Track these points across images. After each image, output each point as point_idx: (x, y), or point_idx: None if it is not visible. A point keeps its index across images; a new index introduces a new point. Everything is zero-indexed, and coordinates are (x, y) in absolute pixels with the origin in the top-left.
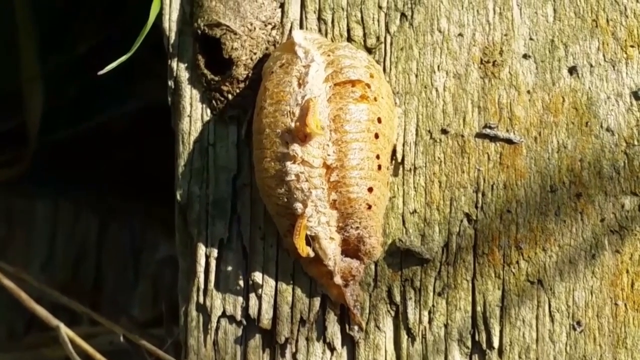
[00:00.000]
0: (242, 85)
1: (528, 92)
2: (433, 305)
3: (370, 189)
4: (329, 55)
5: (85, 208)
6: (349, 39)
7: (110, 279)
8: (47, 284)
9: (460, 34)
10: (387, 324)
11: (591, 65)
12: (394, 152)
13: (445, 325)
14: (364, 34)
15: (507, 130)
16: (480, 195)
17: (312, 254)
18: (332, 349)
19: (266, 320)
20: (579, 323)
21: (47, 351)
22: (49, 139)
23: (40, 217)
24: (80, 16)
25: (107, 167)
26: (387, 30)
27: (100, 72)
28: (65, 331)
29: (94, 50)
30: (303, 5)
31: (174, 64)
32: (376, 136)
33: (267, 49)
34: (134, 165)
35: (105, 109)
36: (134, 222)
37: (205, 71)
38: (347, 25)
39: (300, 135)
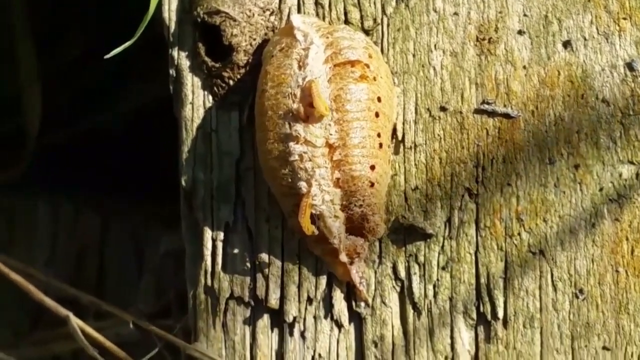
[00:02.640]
0: (242, 71)
1: (524, 67)
2: (437, 279)
3: (372, 167)
4: (327, 38)
5: (86, 207)
6: (347, 21)
7: (113, 275)
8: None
9: (456, 13)
10: (393, 300)
11: (585, 39)
12: (394, 130)
13: (450, 299)
14: (361, 17)
15: (505, 105)
16: (480, 169)
17: (316, 232)
18: (340, 326)
19: (274, 300)
20: (581, 291)
21: (55, 347)
22: (48, 141)
23: (41, 217)
24: (77, 18)
25: (106, 167)
26: (384, 11)
27: (107, 56)
28: (75, 321)
29: (93, 51)
30: None
31: (175, 53)
32: (377, 115)
33: (266, 34)
34: (132, 164)
35: (103, 109)
36: (135, 219)
37: (206, 58)
38: (344, 9)
39: (303, 116)
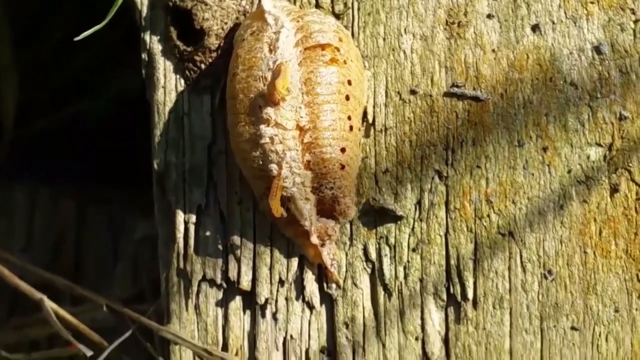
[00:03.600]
0: (214, 54)
1: (493, 50)
2: (408, 261)
3: (342, 150)
4: (298, 21)
5: (63, 194)
6: (317, 5)
7: (89, 262)
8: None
9: None
10: (364, 281)
11: (553, 23)
12: (364, 113)
13: (421, 280)
14: (332, 0)
15: (474, 89)
16: (450, 152)
17: (285, 215)
18: (311, 308)
19: (246, 282)
20: (550, 272)
21: (31, 331)
22: (28, 129)
23: (19, 205)
24: (56, 6)
25: (83, 155)
26: None
27: (77, 39)
28: (49, 304)
29: (69, 40)
30: None
31: (147, 37)
32: (347, 98)
33: (237, 18)
34: (109, 152)
35: (81, 98)
36: (111, 205)
37: (178, 42)
38: None
39: (273, 98)
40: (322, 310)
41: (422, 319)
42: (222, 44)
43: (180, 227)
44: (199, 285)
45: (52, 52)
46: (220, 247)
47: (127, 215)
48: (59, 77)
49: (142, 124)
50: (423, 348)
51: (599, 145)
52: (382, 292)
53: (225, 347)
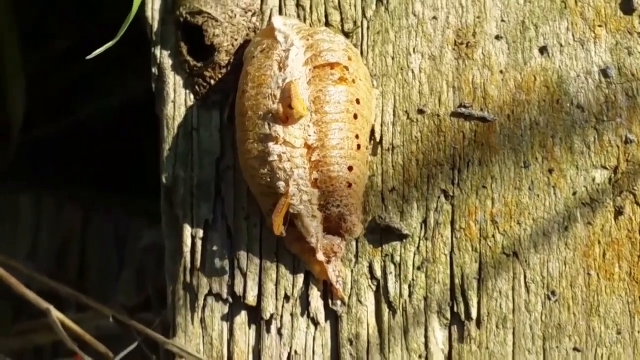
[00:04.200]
0: (224, 70)
1: (501, 72)
2: (413, 279)
3: (350, 168)
4: (308, 40)
5: (69, 201)
6: (327, 24)
7: (94, 269)
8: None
9: (435, 17)
10: (369, 298)
11: (561, 45)
12: (372, 132)
13: (425, 298)
14: (342, 19)
15: (482, 109)
16: (456, 172)
17: (284, 234)
18: (316, 324)
19: (252, 298)
20: (553, 293)
21: (36, 338)
22: (34, 134)
23: (24, 212)
24: (62, 12)
25: (89, 162)
26: (364, 15)
27: (89, 57)
28: (56, 314)
29: (76, 46)
30: None
31: (158, 51)
32: (355, 117)
33: (247, 35)
34: (115, 159)
35: (88, 103)
36: (117, 213)
37: (188, 58)
38: (325, 11)
39: (282, 117)
40: (326, 326)
41: (426, 337)
42: (232, 61)
43: (188, 242)
44: (205, 300)
45: (59, 57)
46: (226, 262)
47: (132, 222)
48: (66, 82)
49: (149, 129)
50: None
51: (605, 168)
52: (387, 310)
53: None
